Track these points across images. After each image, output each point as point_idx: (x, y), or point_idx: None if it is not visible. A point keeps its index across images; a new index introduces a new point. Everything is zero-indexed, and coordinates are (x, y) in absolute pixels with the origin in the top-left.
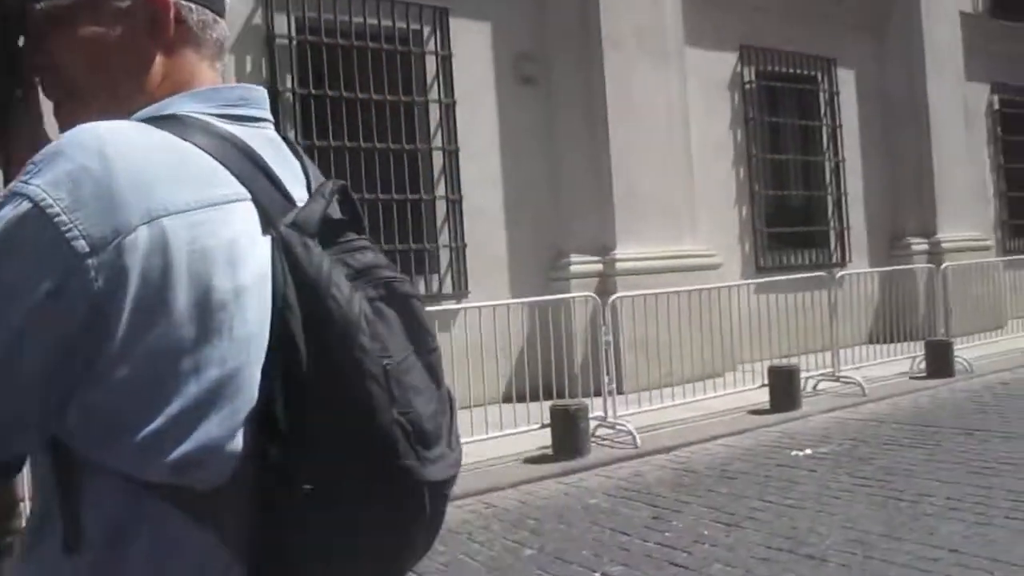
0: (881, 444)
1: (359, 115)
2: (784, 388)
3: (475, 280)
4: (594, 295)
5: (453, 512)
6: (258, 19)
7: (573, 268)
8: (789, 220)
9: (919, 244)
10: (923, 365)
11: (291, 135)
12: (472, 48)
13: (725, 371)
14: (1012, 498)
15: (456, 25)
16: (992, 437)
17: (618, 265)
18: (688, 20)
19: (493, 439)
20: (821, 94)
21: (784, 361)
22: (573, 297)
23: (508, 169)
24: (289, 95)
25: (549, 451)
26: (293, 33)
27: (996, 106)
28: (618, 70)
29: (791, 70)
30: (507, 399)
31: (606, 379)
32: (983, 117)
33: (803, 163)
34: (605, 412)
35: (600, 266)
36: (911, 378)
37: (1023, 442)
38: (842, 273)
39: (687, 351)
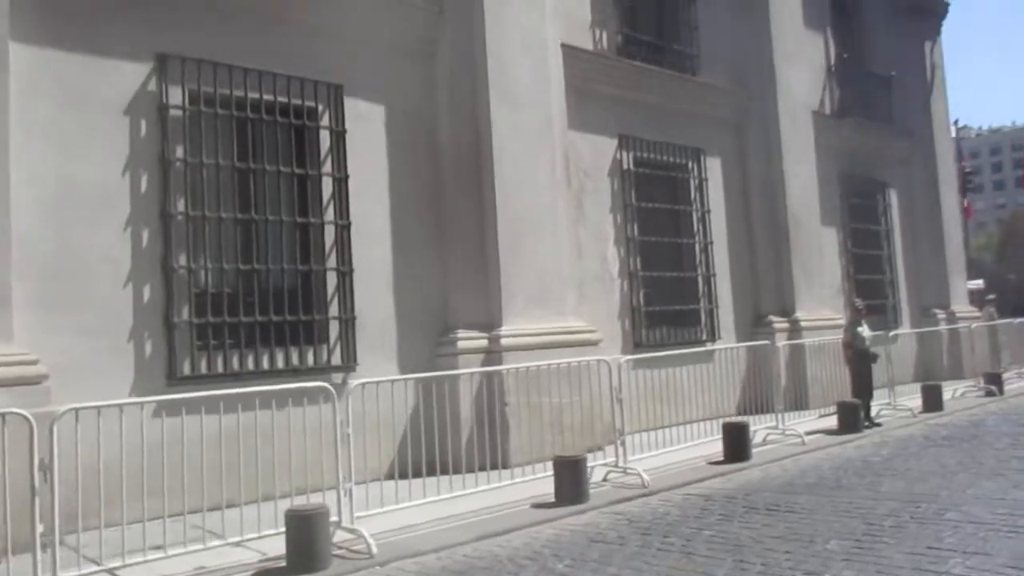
0: None
1: None
2: None
3: None
4: None
5: None
6: None
7: None
8: (262, 306)
9: (473, 340)
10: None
11: None
12: None
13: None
14: None
15: None
16: None
17: None
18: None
19: None
20: (323, 132)
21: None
22: None
23: None
24: None
25: None
26: None
27: (627, 164)
28: None
29: (272, 97)
30: None
31: None
32: (606, 177)
33: (297, 226)
34: None
35: None
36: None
37: None
38: (357, 382)
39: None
